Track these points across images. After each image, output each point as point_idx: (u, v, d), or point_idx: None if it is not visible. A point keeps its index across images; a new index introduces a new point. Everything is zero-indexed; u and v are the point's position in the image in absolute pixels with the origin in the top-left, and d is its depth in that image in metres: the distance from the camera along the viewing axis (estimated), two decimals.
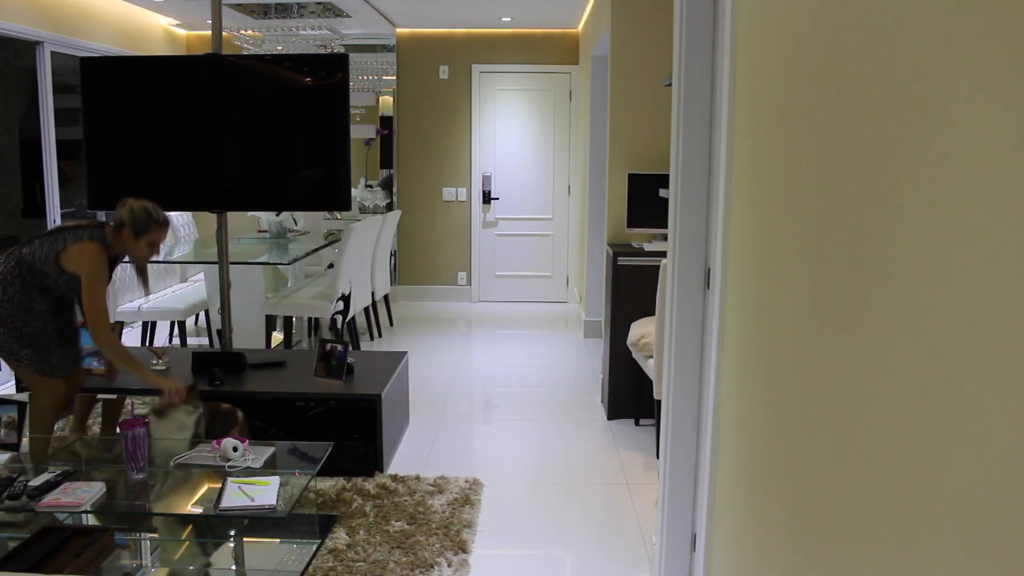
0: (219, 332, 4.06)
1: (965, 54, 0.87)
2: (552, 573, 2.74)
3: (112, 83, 3.61)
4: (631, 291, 4.13)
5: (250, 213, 6.46)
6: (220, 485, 2.52)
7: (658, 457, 2.85)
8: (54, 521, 2.70)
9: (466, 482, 3.40)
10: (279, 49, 6.81)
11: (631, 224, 4.43)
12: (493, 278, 7.45)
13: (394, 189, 7.32)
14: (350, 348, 3.69)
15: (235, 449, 2.71)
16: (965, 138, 0.87)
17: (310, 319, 6.11)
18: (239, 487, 2.50)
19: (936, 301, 0.93)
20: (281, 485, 2.54)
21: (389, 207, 7.27)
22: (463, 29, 7.12)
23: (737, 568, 1.81)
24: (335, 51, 6.91)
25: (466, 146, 7.29)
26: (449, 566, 2.72)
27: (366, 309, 5.87)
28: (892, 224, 1.04)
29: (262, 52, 6.59)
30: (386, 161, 7.27)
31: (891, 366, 1.05)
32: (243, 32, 6.51)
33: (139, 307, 4.98)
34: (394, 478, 3.42)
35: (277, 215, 5.68)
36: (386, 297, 6.44)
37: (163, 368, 3.75)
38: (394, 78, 7.18)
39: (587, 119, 6.19)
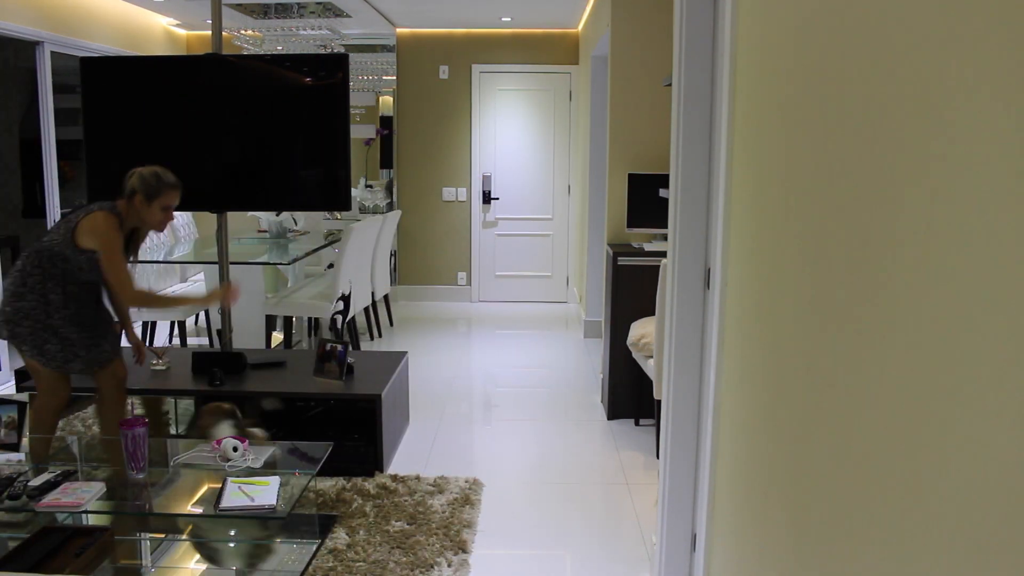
0: (219, 332, 4.06)
1: (965, 54, 0.87)
2: (552, 573, 2.74)
3: (112, 83, 3.61)
4: (631, 291, 4.13)
5: (250, 213, 6.46)
6: (220, 485, 2.52)
7: (658, 457, 2.85)
8: (54, 521, 2.70)
9: (466, 482, 3.40)
10: (279, 49, 6.81)
11: (631, 224, 4.43)
12: (493, 278, 7.45)
13: (394, 189, 7.32)
14: (350, 348, 3.69)
15: (235, 449, 2.71)
16: (965, 138, 0.87)
17: (310, 319, 6.11)
18: (239, 487, 2.50)
19: (936, 301, 0.93)
20: (281, 485, 2.54)
21: (389, 207, 7.27)
22: (463, 29, 7.12)
23: (737, 568, 1.81)
24: (335, 51, 6.91)
25: (466, 146, 7.29)
26: (449, 566, 2.72)
27: (366, 309, 5.87)
28: (892, 224, 1.04)
29: (262, 52, 6.59)
30: (386, 161, 7.27)
31: (891, 366, 1.05)
32: (243, 32, 6.51)
33: (138, 307, 4.97)
34: (394, 478, 3.42)
35: (277, 215, 5.68)
36: (386, 297, 6.44)
37: (163, 368, 3.75)
38: (394, 78, 7.18)
39: (587, 119, 6.19)
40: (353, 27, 6.74)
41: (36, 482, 2.51)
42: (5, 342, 4.80)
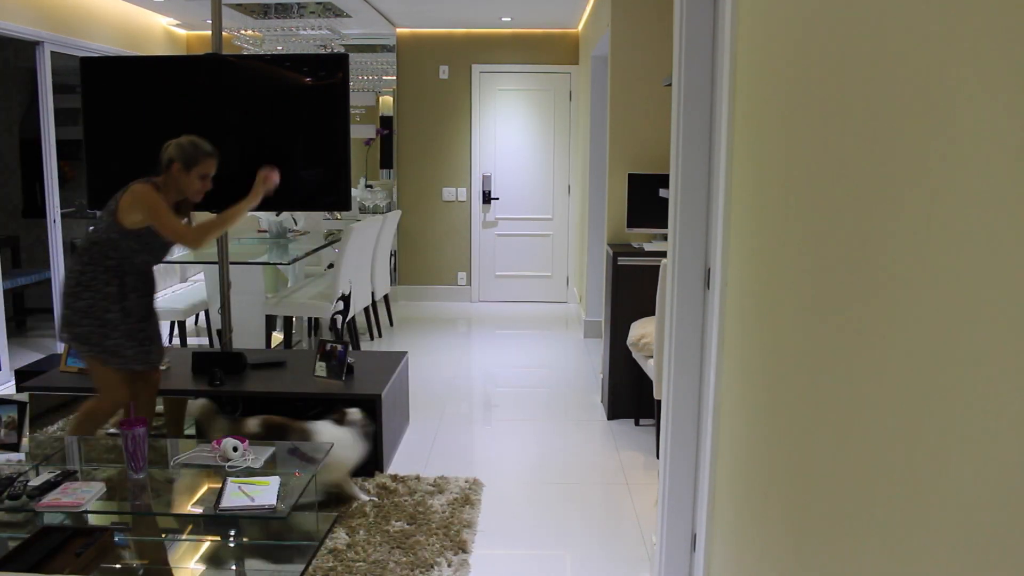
0: (219, 332, 4.06)
1: (965, 54, 0.87)
2: (552, 573, 2.74)
3: (112, 83, 3.61)
4: (631, 291, 4.13)
5: (250, 213, 6.46)
6: (220, 485, 2.52)
7: (658, 457, 2.85)
8: (54, 521, 2.70)
9: (466, 482, 3.40)
10: (279, 49, 6.81)
11: (631, 224, 4.43)
12: (493, 278, 7.45)
13: (394, 189, 7.32)
14: (350, 348, 3.69)
15: (235, 449, 2.71)
16: (965, 138, 0.87)
17: (310, 319, 6.11)
18: (239, 487, 2.50)
19: (936, 300, 0.93)
20: (281, 485, 2.54)
21: (389, 207, 7.27)
22: (463, 29, 7.12)
23: (737, 568, 1.81)
24: (335, 51, 6.91)
25: (466, 146, 7.29)
26: (449, 566, 2.72)
27: (366, 309, 5.87)
28: (892, 224, 1.04)
29: (262, 52, 6.59)
30: (386, 161, 7.27)
31: (891, 366, 1.05)
32: (243, 32, 6.51)
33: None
34: (394, 478, 3.42)
35: (277, 215, 5.68)
36: (386, 297, 6.44)
37: (163, 368, 3.75)
38: (394, 78, 7.18)
39: (587, 119, 6.19)
40: (353, 27, 6.74)
41: (36, 482, 2.51)
42: (5, 341, 4.79)
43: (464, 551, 2.83)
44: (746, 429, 1.74)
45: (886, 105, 1.06)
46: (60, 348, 5.27)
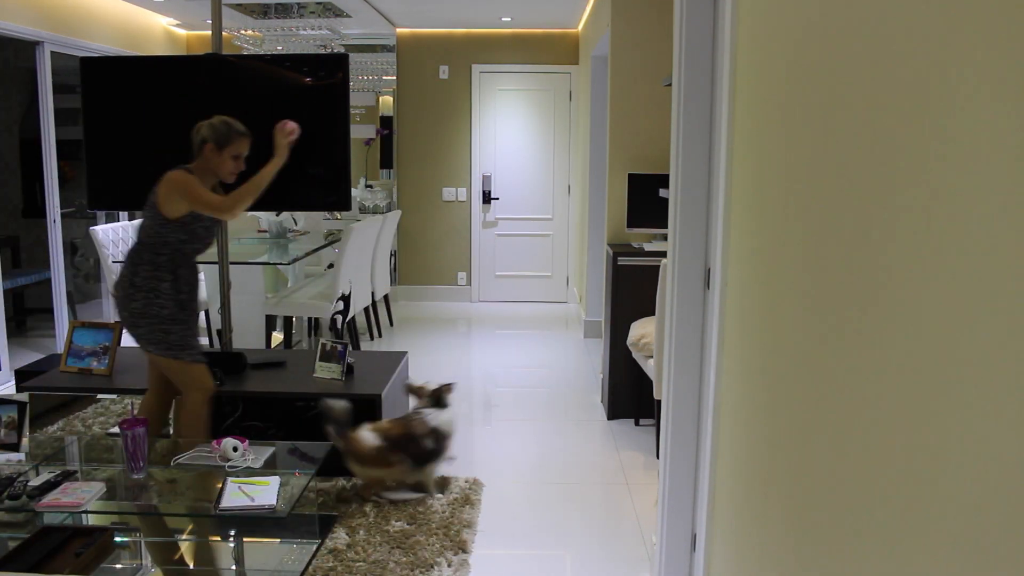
0: (219, 332, 4.06)
1: (965, 54, 0.87)
2: (552, 573, 2.74)
3: (112, 83, 3.60)
4: (631, 291, 4.13)
5: (250, 213, 6.46)
6: (220, 485, 2.52)
7: (658, 457, 2.85)
8: (54, 521, 2.70)
9: (466, 482, 3.40)
10: (279, 49, 6.80)
11: (631, 224, 4.43)
12: (493, 278, 7.45)
13: (394, 189, 7.32)
14: (350, 348, 3.69)
15: (235, 449, 2.71)
16: (965, 137, 0.87)
17: (310, 319, 6.11)
18: (239, 487, 2.50)
19: (936, 300, 0.93)
20: (281, 485, 2.53)
21: (389, 207, 7.27)
22: (463, 29, 7.12)
23: (737, 568, 1.81)
24: (335, 51, 6.91)
25: (466, 146, 7.29)
26: (449, 566, 2.72)
27: (366, 309, 5.87)
28: (892, 223, 1.04)
29: (262, 52, 6.59)
30: (386, 161, 7.27)
31: (891, 366, 1.05)
32: (243, 32, 6.51)
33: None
34: None
35: (277, 215, 5.68)
36: (386, 297, 6.44)
37: None
38: (394, 78, 7.18)
39: (587, 119, 6.19)
40: (353, 27, 6.74)
41: (36, 482, 2.51)
42: (5, 341, 4.79)
43: (464, 551, 2.83)
44: (746, 429, 1.74)
45: (886, 105, 1.06)
46: (60, 348, 5.27)
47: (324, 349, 3.67)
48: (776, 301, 1.53)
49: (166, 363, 3.02)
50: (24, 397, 3.05)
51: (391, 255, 7.21)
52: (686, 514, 2.39)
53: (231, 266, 4.14)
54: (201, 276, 5.79)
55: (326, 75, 3.57)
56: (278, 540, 2.95)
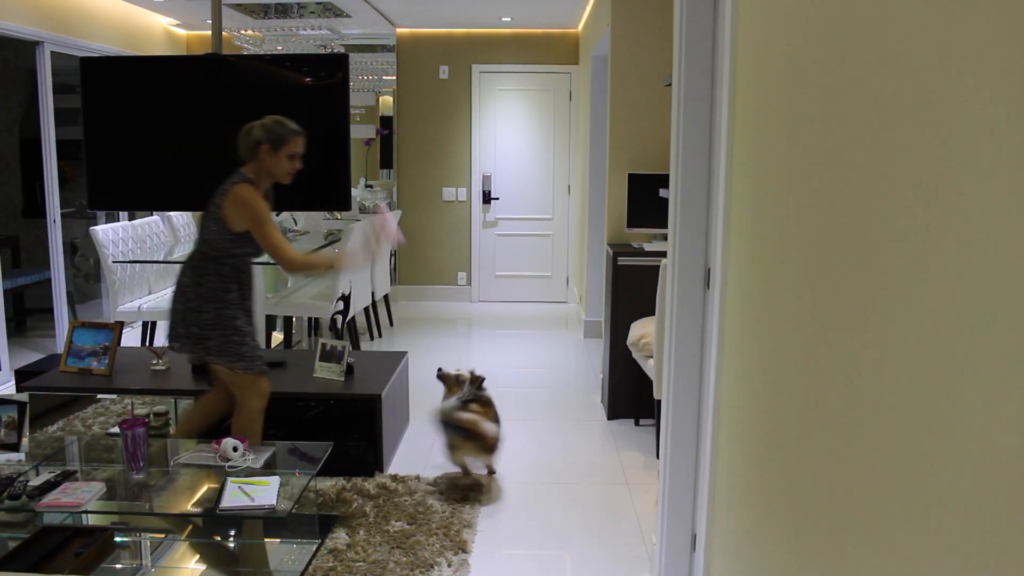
0: None
1: (966, 55, 0.87)
2: (552, 573, 2.74)
3: (112, 83, 3.61)
4: (631, 291, 4.13)
5: None
6: (220, 485, 2.52)
7: (658, 457, 2.85)
8: (54, 521, 2.70)
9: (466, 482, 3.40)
10: (279, 49, 6.80)
11: (631, 224, 4.43)
12: (493, 278, 7.45)
13: (394, 189, 7.32)
14: (350, 348, 3.69)
15: (235, 449, 2.71)
16: (965, 137, 0.87)
17: (310, 319, 6.11)
18: (239, 487, 2.50)
19: (936, 300, 0.93)
20: (281, 485, 2.54)
21: (389, 207, 7.27)
22: (463, 29, 7.12)
23: (737, 568, 1.81)
24: (335, 51, 6.91)
25: (466, 146, 7.29)
26: (449, 566, 2.72)
27: (366, 309, 5.87)
28: (892, 223, 1.04)
29: (262, 52, 6.59)
30: (386, 161, 7.27)
31: (891, 365, 1.05)
32: (243, 32, 6.51)
33: (139, 307, 4.98)
34: (394, 478, 3.42)
35: (277, 215, 5.67)
36: (386, 297, 6.44)
37: (163, 368, 3.75)
38: (394, 78, 7.18)
39: (587, 119, 6.19)
40: (353, 27, 6.74)
41: (36, 482, 2.51)
42: (5, 341, 4.79)
43: (464, 551, 2.83)
44: (746, 429, 1.74)
45: (886, 104, 1.06)
46: (60, 348, 5.27)
47: (324, 349, 3.68)
48: (776, 301, 1.53)
49: (235, 376, 2.94)
50: (24, 397, 3.05)
51: (391, 255, 7.22)
52: (686, 514, 2.40)
53: None
54: None
55: (326, 75, 3.57)
56: (278, 540, 2.95)
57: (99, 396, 4.44)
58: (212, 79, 3.57)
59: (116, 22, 6.00)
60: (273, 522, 2.96)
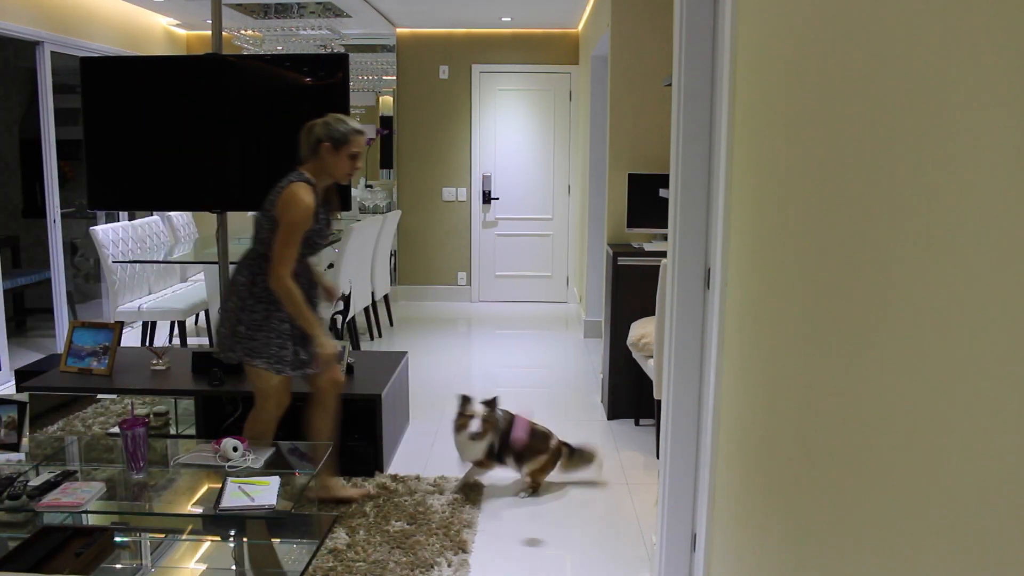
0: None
1: (966, 56, 0.87)
2: (552, 573, 2.74)
3: (112, 83, 3.61)
4: (631, 291, 4.13)
5: (250, 213, 6.46)
6: (220, 485, 2.52)
7: (658, 457, 2.85)
8: (54, 521, 2.70)
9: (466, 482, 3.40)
10: (279, 49, 6.80)
11: (631, 224, 4.43)
12: (493, 278, 7.45)
13: (394, 189, 7.32)
14: (350, 348, 3.69)
15: (235, 449, 2.71)
16: (965, 139, 0.87)
17: None
18: (239, 487, 2.50)
19: (936, 300, 0.93)
20: (281, 485, 2.54)
21: (389, 207, 7.28)
22: (463, 29, 7.12)
23: (737, 568, 1.81)
24: (335, 51, 6.91)
25: (466, 146, 7.29)
26: (449, 566, 2.72)
27: (366, 309, 5.87)
28: (891, 223, 1.04)
29: (262, 52, 6.59)
30: (386, 161, 7.27)
31: (891, 365, 1.05)
32: (243, 32, 6.51)
33: (139, 307, 4.98)
34: (394, 478, 3.42)
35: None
36: (386, 297, 6.44)
37: (163, 368, 3.75)
38: (394, 78, 7.18)
39: (587, 119, 6.19)
40: (353, 27, 6.74)
41: (36, 482, 2.51)
42: (5, 341, 4.79)
43: (464, 551, 2.83)
44: (746, 429, 1.74)
45: (886, 105, 1.06)
46: (60, 348, 5.27)
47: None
48: (776, 301, 1.53)
49: (266, 376, 2.87)
50: (24, 397, 3.05)
51: (391, 255, 7.22)
52: (686, 514, 2.40)
53: (231, 266, 4.13)
54: (201, 276, 5.79)
55: (326, 75, 3.57)
56: (278, 540, 2.95)
57: (99, 396, 4.45)
58: (212, 79, 3.57)
59: (116, 22, 6.00)
60: (273, 522, 2.96)
